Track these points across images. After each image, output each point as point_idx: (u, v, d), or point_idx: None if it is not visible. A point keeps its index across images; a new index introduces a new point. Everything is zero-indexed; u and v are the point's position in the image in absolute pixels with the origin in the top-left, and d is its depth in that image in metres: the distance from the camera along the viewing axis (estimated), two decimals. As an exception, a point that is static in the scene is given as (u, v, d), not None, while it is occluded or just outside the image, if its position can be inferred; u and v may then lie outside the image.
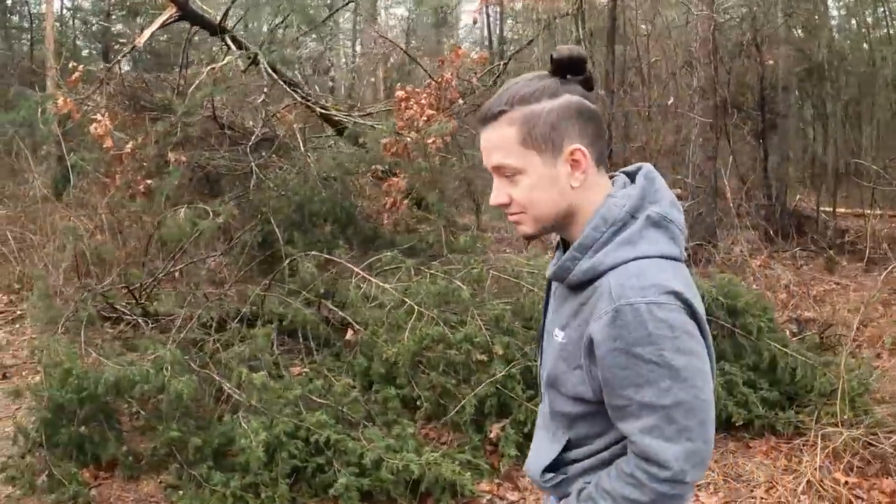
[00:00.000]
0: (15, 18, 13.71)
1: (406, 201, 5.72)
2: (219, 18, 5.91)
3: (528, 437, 3.34)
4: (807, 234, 9.30)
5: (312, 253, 4.20)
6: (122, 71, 6.12)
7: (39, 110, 6.51)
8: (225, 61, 5.52)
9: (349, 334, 4.10)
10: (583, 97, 1.13)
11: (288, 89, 5.80)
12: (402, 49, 8.78)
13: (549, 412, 1.23)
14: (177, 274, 5.08)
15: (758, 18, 8.65)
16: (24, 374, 5.06)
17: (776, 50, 9.25)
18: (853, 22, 13.14)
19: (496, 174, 1.15)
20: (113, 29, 13.39)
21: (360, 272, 4.02)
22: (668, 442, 1.05)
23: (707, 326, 1.11)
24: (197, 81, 5.57)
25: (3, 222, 7.92)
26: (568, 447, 1.19)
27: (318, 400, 3.32)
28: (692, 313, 1.07)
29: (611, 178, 1.20)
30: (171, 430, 3.12)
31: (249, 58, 5.61)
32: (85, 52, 13.90)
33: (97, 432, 3.47)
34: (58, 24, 12.46)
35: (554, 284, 1.25)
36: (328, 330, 4.03)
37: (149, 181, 5.88)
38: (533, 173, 1.11)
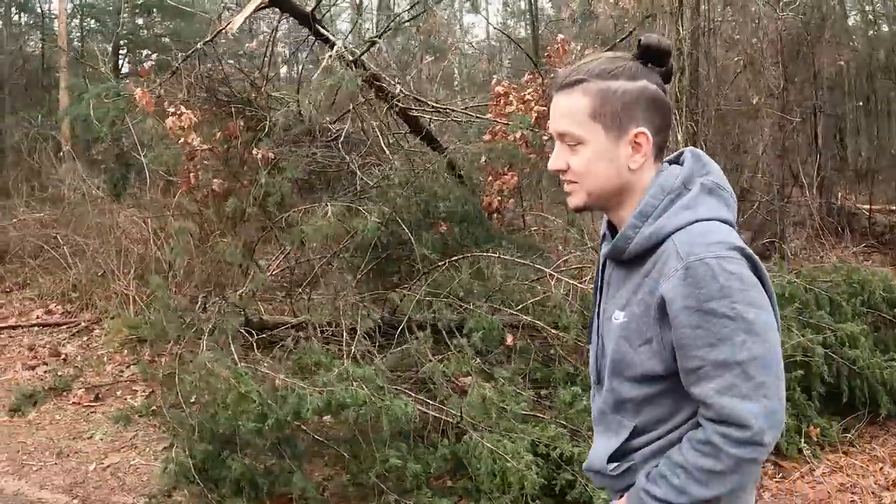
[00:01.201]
0: (22, 17, 12.94)
1: (512, 200, 5.39)
2: (310, 7, 5.43)
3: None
4: (855, 230, 9.25)
5: (487, 253, 3.79)
6: (199, 62, 5.59)
7: (92, 104, 5.95)
8: (334, 53, 5.03)
9: (509, 339, 3.72)
10: (658, 87, 1.14)
11: (388, 84, 5.36)
12: (513, 41, 8.28)
13: (613, 403, 1.18)
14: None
15: (826, 17, 8.51)
16: (118, 394, 4.52)
17: (835, 48, 9.14)
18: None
19: (559, 140, 1.16)
20: (127, 26, 12.75)
21: (553, 273, 3.62)
22: (747, 400, 1.03)
23: (771, 287, 1.10)
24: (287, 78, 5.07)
25: (35, 225, 7.28)
26: (633, 435, 1.15)
27: (539, 415, 2.91)
28: (756, 269, 1.07)
29: None
30: (390, 457, 2.67)
31: (349, 55, 5.15)
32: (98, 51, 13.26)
33: (274, 463, 3.00)
34: (70, 20, 11.75)
35: (608, 270, 1.23)
36: (503, 334, 3.63)
37: (220, 181, 5.44)
38: (595, 146, 1.13)
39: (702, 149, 6.78)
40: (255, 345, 3.86)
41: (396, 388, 3.20)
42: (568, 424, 2.98)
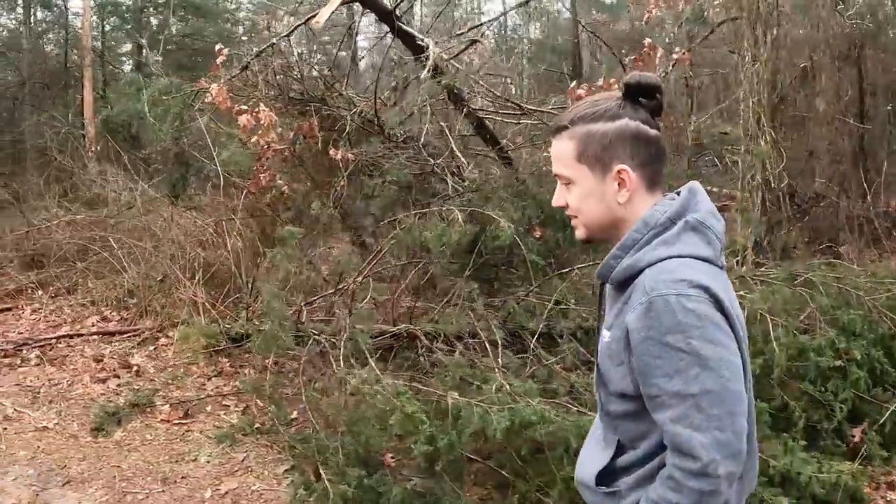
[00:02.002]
0: (43, 14, 12.51)
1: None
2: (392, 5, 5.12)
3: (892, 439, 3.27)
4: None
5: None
6: (273, 57, 5.26)
7: (146, 101, 5.61)
8: (432, 55, 4.70)
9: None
10: (643, 122, 1.19)
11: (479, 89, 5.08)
12: (604, 43, 7.89)
13: (601, 414, 1.27)
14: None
15: (882, 24, 8.38)
16: (208, 409, 4.17)
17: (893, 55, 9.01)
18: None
19: (559, 180, 1.26)
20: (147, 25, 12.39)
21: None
22: (697, 431, 1.06)
23: (740, 324, 1.14)
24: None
25: (77, 227, 6.90)
26: (618, 452, 1.21)
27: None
28: (721, 308, 1.10)
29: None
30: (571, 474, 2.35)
31: (444, 55, 4.86)
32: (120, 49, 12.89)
33: (432, 487, 2.69)
34: (94, 18, 11.35)
35: (606, 289, 1.29)
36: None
37: (279, 181, 5.13)
38: (584, 185, 1.21)
39: (782, 156, 6.53)
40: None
41: (556, 402, 2.91)
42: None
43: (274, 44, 5.32)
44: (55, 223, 6.87)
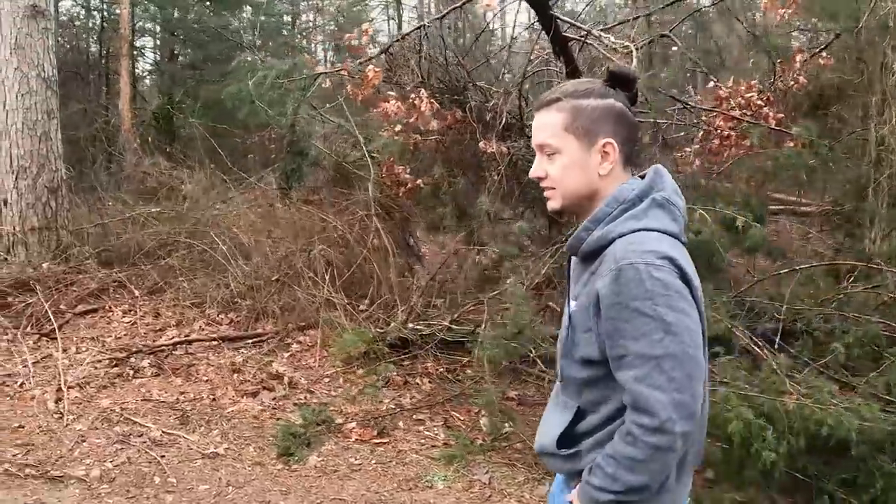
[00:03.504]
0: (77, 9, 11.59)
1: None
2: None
3: None
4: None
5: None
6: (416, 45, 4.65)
7: (255, 84, 4.92)
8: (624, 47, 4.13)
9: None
10: (624, 105, 1.29)
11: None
12: (748, 46, 7.11)
13: (562, 382, 1.32)
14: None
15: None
16: (400, 425, 3.50)
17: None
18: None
19: (539, 151, 1.32)
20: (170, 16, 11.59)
21: None
22: (658, 390, 1.13)
23: (700, 295, 1.21)
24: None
25: (154, 222, 6.16)
26: (578, 416, 1.26)
27: None
28: (685, 278, 1.17)
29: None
30: None
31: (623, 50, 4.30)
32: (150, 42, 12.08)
33: None
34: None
35: (572, 263, 1.34)
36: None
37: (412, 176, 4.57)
38: (568, 154, 1.27)
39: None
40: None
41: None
42: None
43: (423, 26, 4.71)
44: (129, 216, 6.12)
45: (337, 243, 4.95)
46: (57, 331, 4.73)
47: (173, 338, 4.73)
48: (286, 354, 4.45)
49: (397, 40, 4.68)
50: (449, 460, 2.96)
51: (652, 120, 4.78)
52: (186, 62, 11.83)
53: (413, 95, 4.38)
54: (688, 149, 5.16)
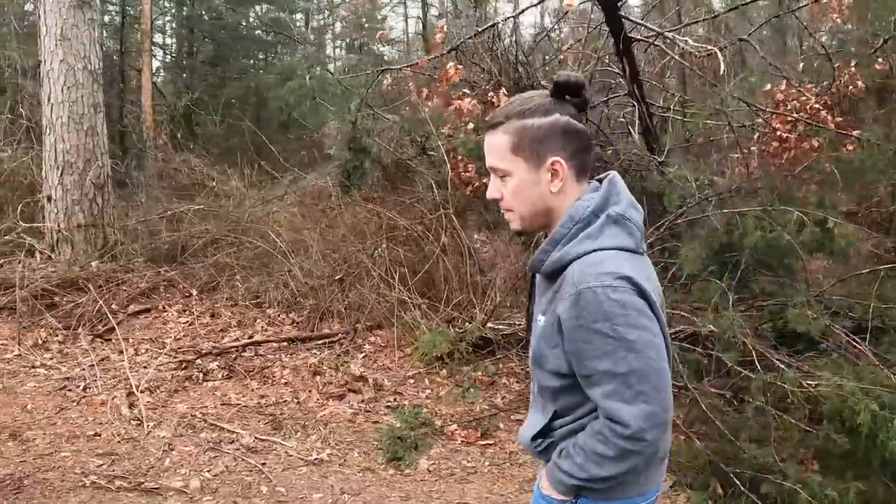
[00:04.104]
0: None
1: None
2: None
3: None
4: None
5: None
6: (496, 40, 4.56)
7: (311, 80, 4.82)
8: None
9: None
10: (572, 117, 1.27)
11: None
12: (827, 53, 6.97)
13: (537, 388, 1.35)
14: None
15: None
16: (500, 426, 3.40)
17: None
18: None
19: (492, 173, 1.31)
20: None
21: None
22: (627, 404, 1.16)
23: (659, 309, 1.22)
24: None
25: (202, 219, 6.01)
26: (555, 417, 1.30)
27: None
28: (643, 295, 1.18)
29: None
30: None
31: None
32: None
33: None
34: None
35: (537, 278, 1.35)
36: None
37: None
38: (518, 176, 1.27)
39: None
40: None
41: None
42: None
43: (496, 24, 4.62)
44: (169, 213, 5.97)
45: (403, 242, 4.84)
46: (116, 330, 4.58)
47: (237, 339, 4.60)
48: (360, 355, 4.34)
49: (470, 38, 4.58)
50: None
51: (727, 123, 4.75)
52: (206, 58, 11.64)
53: (491, 93, 4.28)
54: (745, 150, 5.13)
